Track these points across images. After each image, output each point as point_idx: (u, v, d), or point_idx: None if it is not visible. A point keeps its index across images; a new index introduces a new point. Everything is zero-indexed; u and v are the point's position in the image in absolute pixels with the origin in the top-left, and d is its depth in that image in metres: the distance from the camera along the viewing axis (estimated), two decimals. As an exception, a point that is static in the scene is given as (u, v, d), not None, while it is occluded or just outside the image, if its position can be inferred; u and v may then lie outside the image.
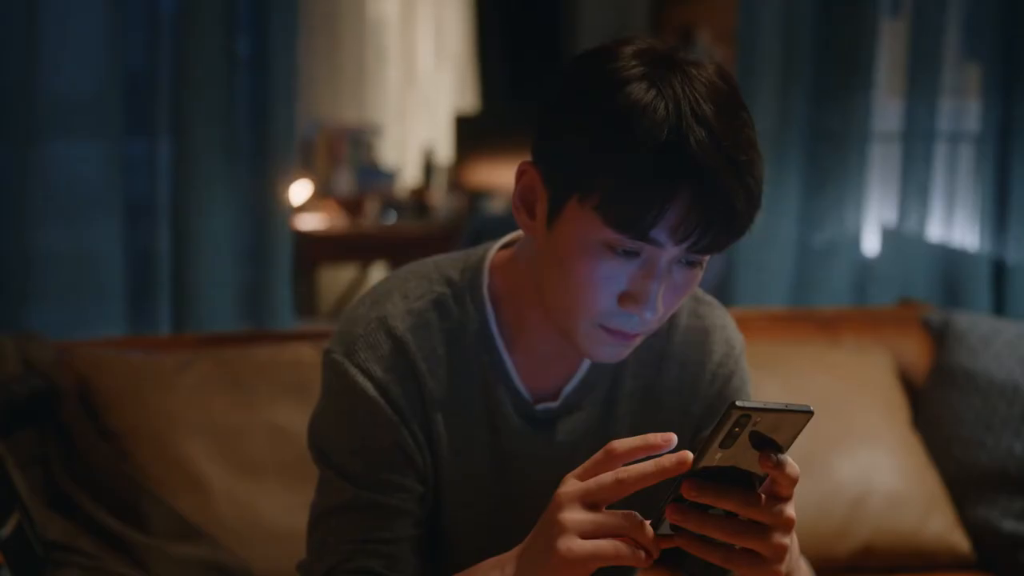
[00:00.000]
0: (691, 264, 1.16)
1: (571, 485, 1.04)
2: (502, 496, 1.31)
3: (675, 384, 1.34)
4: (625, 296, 1.14)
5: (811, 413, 0.96)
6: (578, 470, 1.05)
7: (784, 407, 0.95)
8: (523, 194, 1.20)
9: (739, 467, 0.98)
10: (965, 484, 2.32)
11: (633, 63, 1.12)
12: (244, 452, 1.99)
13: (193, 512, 1.91)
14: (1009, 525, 2.25)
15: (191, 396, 2.00)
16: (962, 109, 2.91)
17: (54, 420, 1.95)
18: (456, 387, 1.27)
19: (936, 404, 2.41)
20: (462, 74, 6.83)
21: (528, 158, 1.20)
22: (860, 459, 2.29)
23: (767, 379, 2.24)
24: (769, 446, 0.97)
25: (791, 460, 0.99)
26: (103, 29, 2.25)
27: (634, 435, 1.30)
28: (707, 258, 1.17)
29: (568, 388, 1.30)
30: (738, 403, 0.94)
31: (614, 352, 1.19)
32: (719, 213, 1.09)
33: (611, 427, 1.32)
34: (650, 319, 1.16)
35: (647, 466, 1.00)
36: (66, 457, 1.92)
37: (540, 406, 1.30)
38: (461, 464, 1.29)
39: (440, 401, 1.27)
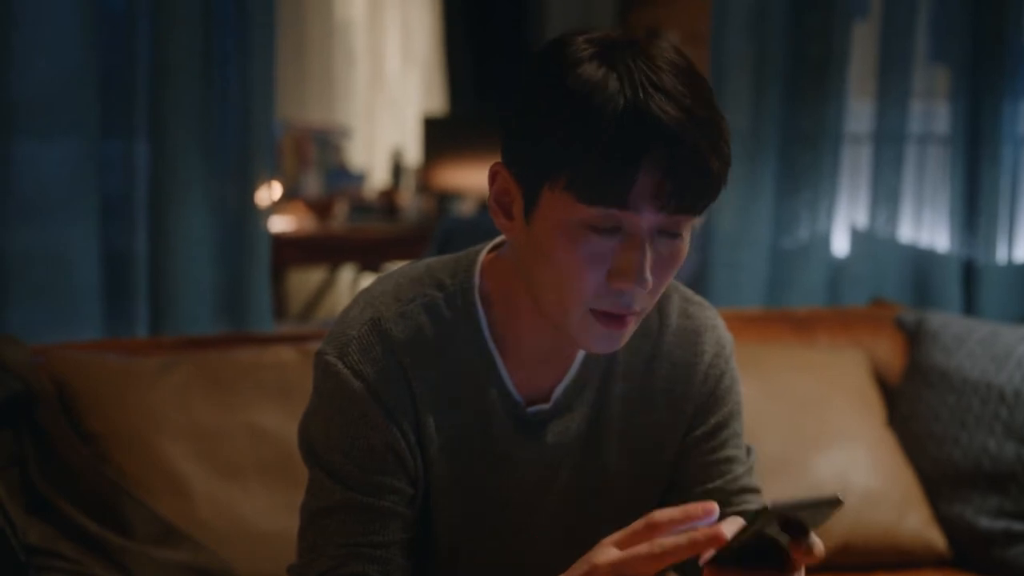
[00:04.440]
0: (673, 235, 1.16)
1: (607, 554, 1.05)
2: (493, 498, 1.31)
3: (666, 385, 1.34)
4: (613, 273, 1.14)
5: (841, 503, 0.98)
6: (615, 537, 1.06)
7: (814, 501, 0.97)
8: (498, 197, 1.22)
9: (763, 539, 1.00)
10: (940, 482, 2.34)
11: (584, 47, 1.14)
12: (226, 455, 1.98)
13: (174, 515, 1.90)
14: (984, 522, 2.28)
15: (172, 398, 1.99)
16: (931, 111, 2.94)
17: (32, 423, 1.93)
18: (448, 389, 1.28)
19: (911, 403, 2.44)
20: (429, 76, 6.83)
21: (497, 160, 1.21)
22: (836, 458, 2.31)
23: (744, 380, 2.25)
24: (799, 529, 0.99)
25: (818, 540, 1.01)
26: (79, 28, 2.23)
27: (624, 438, 1.33)
28: (689, 228, 1.17)
29: (559, 390, 1.31)
30: (770, 506, 0.96)
31: (609, 339, 1.19)
32: (690, 171, 1.11)
33: (602, 429, 1.33)
34: (641, 294, 1.16)
35: (681, 539, 1.01)
36: (45, 461, 1.91)
37: (531, 408, 1.30)
38: (452, 466, 1.29)
39: (431, 403, 1.27)
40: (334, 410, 1.26)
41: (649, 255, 1.14)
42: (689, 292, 1.38)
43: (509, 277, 1.26)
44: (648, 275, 1.14)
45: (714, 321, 1.37)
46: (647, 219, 1.13)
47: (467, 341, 1.28)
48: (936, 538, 2.30)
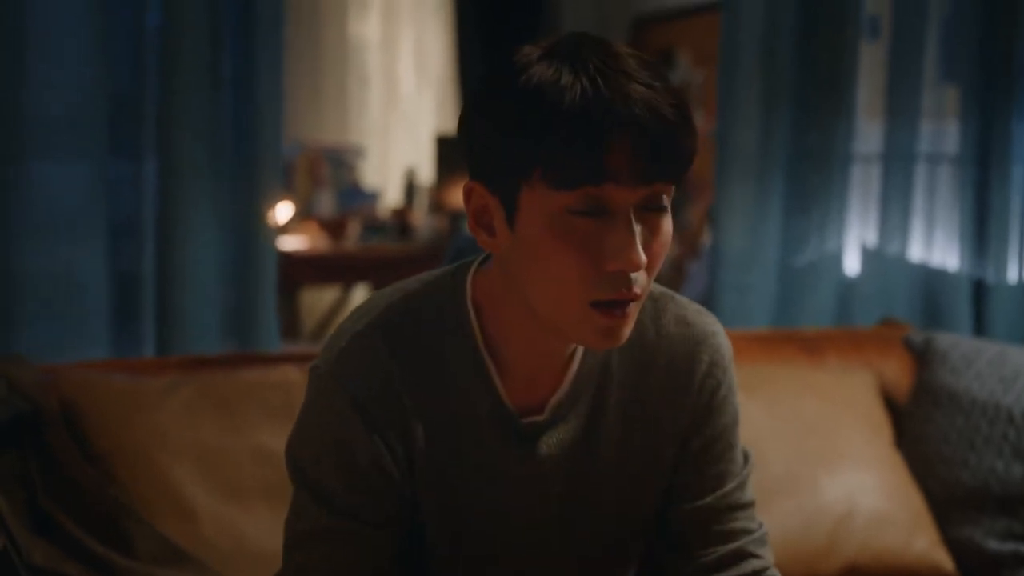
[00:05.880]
0: (656, 209, 1.17)
1: None
2: (485, 508, 1.32)
3: (662, 394, 1.34)
4: (606, 255, 1.15)
5: None
6: None
7: None
8: (476, 215, 1.22)
9: None
10: (948, 503, 2.33)
11: (531, 51, 1.17)
12: (231, 475, 1.98)
13: (179, 535, 1.90)
14: (992, 544, 2.26)
15: (177, 419, 1.99)
16: (941, 130, 2.93)
17: (38, 443, 1.94)
18: (440, 401, 1.28)
19: (919, 424, 2.43)
20: (443, 95, 6.85)
21: (467, 180, 1.23)
22: (844, 479, 2.29)
23: (751, 400, 2.25)
24: None
25: None
26: (88, 48, 2.24)
27: (620, 447, 1.33)
28: (670, 199, 1.18)
29: (553, 400, 1.31)
30: None
31: (610, 333, 1.19)
32: (659, 138, 1.12)
33: (597, 438, 1.33)
34: (637, 276, 1.16)
35: None
36: (50, 480, 1.91)
37: (526, 419, 1.30)
38: (444, 478, 1.29)
39: (423, 415, 1.27)
40: (321, 424, 1.27)
41: (637, 231, 1.15)
42: (685, 300, 1.38)
43: (498, 290, 1.27)
44: (640, 251, 1.14)
45: (713, 327, 1.37)
46: (626, 193, 1.14)
47: (460, 352, 1.28)
48: (944, 560, 2.29)
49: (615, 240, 1.14)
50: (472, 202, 1.22)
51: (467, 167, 1.22)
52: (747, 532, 1.35)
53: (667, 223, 1.18)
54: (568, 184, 1.13)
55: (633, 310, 1.19)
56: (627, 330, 1.20)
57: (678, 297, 1.38)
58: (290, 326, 5.37)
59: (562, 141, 1.11)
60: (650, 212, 1.17)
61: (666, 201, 1.18)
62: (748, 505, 1.37)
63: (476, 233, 1.22)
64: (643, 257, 1.15)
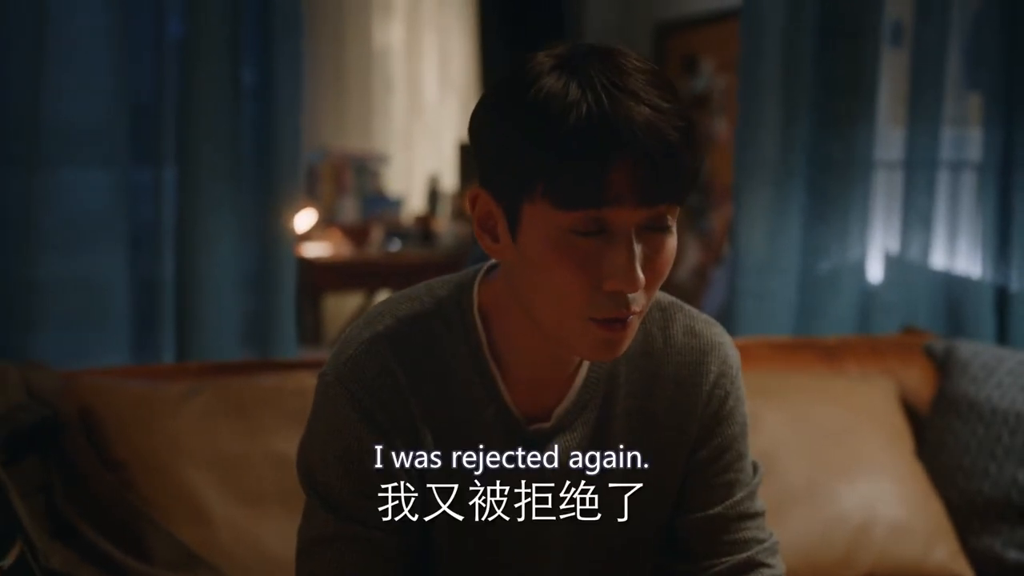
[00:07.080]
0: (659, 229, 1.16)
1: None
2: (491, 516, 1.31)
3: (669, 404, 1.34)
4: (604, 275, 1.14)
5: None
6: None
7: None
8: (481, 221, 1.22)
9: None
10: (969, 513, 2.31)
11: (544, 60, 1.16)
12: (248, 481, 1.99)
13: (196, 541, 1.91)
14: (1013, 555, 2.25)
15: (195, 425, 2.00)
16: (964, 138, 2.92)
17: (57, 449, 1.95)
18: (446, 407, 1.28)
19: (939, 433, 2.41)
20: (467, 102, 6.86)
21: (476, 185, 1.23)
22: (863, 488, 2.28)
23: (771, 408, 2.25)
24: None
25: None
26: (109, 57, 2.26)
27: (628, 456, 1.32)
28: (675, 221, 1.18)
29: (560, 408, 1.31)
30: None
31: (609, 346, 1.19)
32: (662, 163, 1.11)
33: (604, 447, 1.32)
34: (635, 296, 1.16)
35: None
36: (69, 486, 1.93)
37: (532, 427, 1.30)
38: (451, 484, 1.29)
39: (429, 422, 1.27)
40: (329, 431, 1.27)
41: (637, 252, 1.14)
42: (694, 311, 1.38)
43: (503, 298, 1.27)
44: (639, 273, 1.14)
45: (720, 339, 1.36)
46: (627, 215, 1.13)
47: (466, 359, 1.28)
48: (964, 571, 2.27)
49: (615, 260, 1.14)
50: (477, 208, 1.22)
51: (477, 173, 1.22)
52: (758, 541, 1.35)
53: (670, 242, 1.18)
54: (569, 205, 1.13)
55: (633, 323, 1.19)
56: (626, 343, 1.20)
57: (687, 307, 1.37)
58: (313, 332, 5.38)
59: (565, 161, 1.11)
60: (653, 232, 1.16)
61: (670, 221, 1.17)
62: (758, 515, 1.36)
63: (480, 239, 1.23)
64: (642, 279, 1.14)
